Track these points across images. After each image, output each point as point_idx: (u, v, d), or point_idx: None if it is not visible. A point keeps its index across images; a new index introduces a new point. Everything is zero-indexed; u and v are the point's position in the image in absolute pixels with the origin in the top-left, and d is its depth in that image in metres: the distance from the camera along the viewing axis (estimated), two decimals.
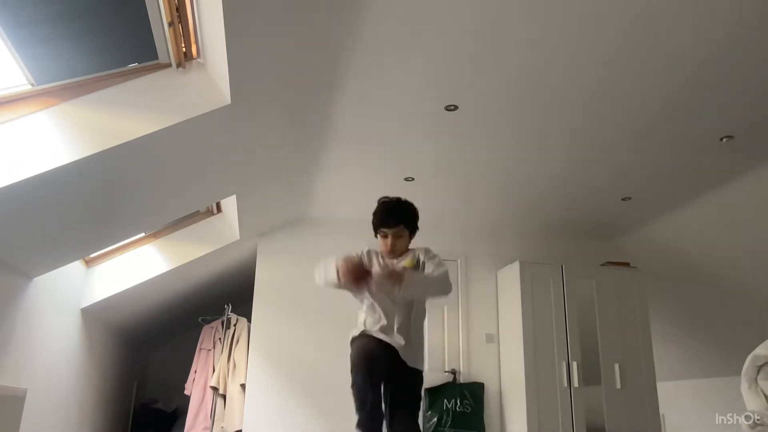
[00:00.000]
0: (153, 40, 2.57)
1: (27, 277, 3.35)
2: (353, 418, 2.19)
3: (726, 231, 4.54)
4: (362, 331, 2.44)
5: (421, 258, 2.51)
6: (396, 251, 2.54)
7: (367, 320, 2.46)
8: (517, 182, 4.28)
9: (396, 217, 2.53)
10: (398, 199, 2.60)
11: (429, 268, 2.43)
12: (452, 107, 3.22)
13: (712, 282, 4.97)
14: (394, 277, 2.30)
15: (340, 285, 2.35)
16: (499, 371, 4.95)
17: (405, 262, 2.49)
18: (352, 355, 2.35)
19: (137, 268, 4.42)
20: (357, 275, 2.29)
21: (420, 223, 2.56)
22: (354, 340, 2.44)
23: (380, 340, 2.38)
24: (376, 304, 2.43)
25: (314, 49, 2.65)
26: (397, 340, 2.39)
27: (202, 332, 5.42)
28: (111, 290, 4.35)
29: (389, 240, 2.53)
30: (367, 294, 2.44)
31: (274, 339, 4.75)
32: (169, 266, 4.51)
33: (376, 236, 2.60)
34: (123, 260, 4.43)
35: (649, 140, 3.57)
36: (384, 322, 2.41)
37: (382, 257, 2.55)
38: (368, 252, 2.59)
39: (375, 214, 2.59)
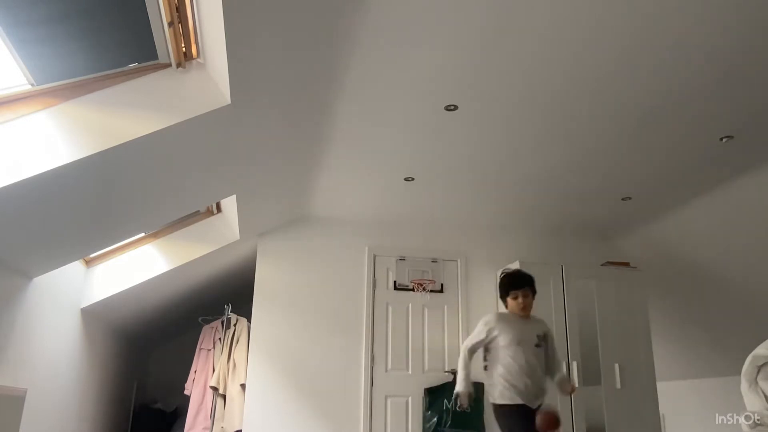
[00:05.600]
0: (153, 40, 2.57)
1: (27, 277, 3.35)
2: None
3: (726, 231, 4.53)
4: None
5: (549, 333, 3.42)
6: (528, 309, 3.34)
7: None
8: (517, 182, 4.28)
9: (527, 280, 3.37)
10: (520, 270, 3.57)
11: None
12: (452, 107, 3.22)
13: (712, 282, 4.97)
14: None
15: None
16: None
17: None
18: None
19: (137, 268, 4.42)
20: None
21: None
22: None
23: None
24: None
25: (314, 49, 2.65)
26: None
27: (202, 332, 5.42)
28: (111, 290, 4.35)
29: (520, 300, 3.32)
30: None
31: (274, 339, 4.76)
32: (169, 266, 4.52)
33: (504, 301, 3.43)
34: (123, 260, 4.43)
35: (649, 140, 3.57)
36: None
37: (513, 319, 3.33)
38: (498, 315, 3.41)
39: (504, 281, 3.44)
